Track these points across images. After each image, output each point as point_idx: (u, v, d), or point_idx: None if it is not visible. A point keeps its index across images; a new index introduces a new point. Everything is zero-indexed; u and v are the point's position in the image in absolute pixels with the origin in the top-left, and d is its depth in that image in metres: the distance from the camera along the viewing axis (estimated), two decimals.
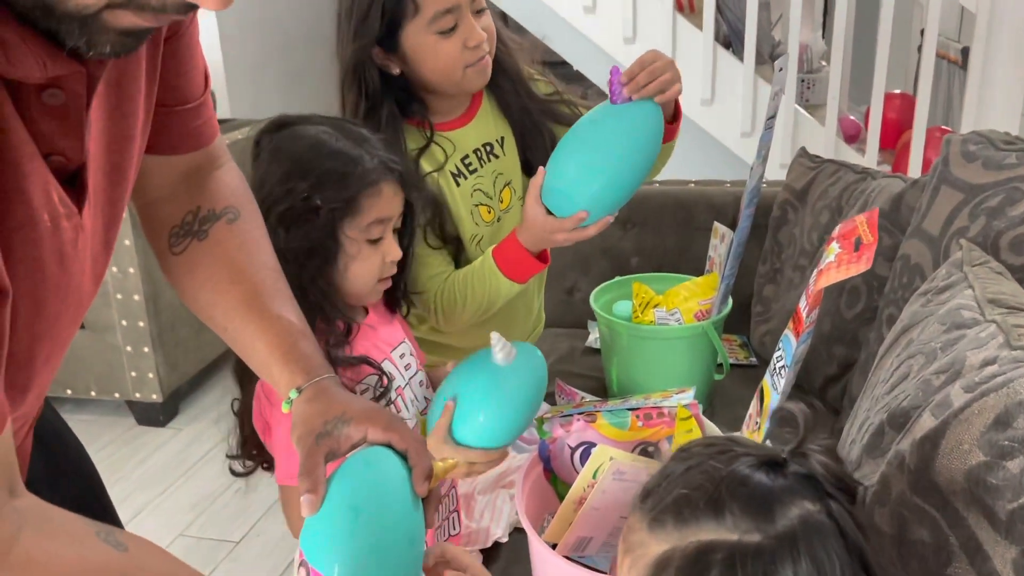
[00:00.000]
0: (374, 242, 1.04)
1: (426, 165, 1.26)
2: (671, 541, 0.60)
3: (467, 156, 1.31)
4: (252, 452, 1.08)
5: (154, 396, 2.46)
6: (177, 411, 2.59)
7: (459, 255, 1.31)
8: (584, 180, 1.16)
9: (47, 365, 0.68)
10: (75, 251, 0.64)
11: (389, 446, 0.76)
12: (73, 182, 0.62)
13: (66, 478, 0.90)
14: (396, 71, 1.24)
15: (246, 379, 1.04)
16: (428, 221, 1.25)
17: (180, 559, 0.70)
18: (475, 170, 1.32)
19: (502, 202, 1.35)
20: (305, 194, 0.97)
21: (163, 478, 2.31)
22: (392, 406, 1.06)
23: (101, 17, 0.52)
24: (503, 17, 2.90)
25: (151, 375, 2.43)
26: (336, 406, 0.77)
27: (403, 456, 0.76)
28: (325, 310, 1.01)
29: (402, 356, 1.12)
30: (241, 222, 0.86)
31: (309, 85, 3.73)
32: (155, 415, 2.52)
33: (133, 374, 2.44)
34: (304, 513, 0.71)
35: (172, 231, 0.84)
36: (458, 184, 1.30)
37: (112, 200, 0.69)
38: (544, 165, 1.19)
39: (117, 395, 2.49)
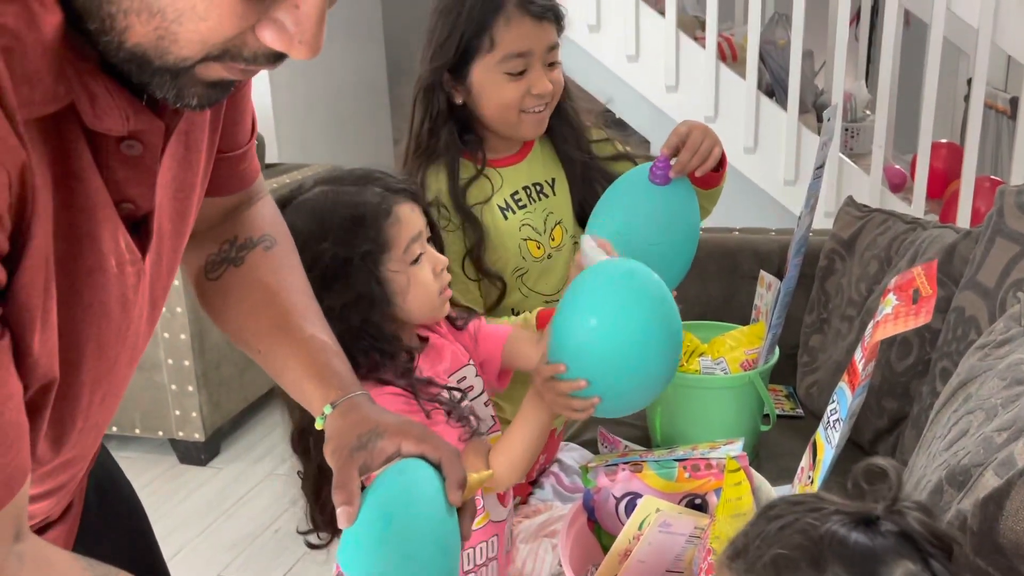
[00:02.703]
0: (416, 262, 1.04)
1: (473, 197, 1.28)
2: None
3: (516, 192, 1.33)
4: (328, 519, 1.05)
5: (196, 435, 2.49)
6: (219, 450, 2.61)
7: (500, 298, 1.31)
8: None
9: (103, 406, 0.69)
10: (135, 296, 0.66)
11: (423, 458, 0.76)
12: (138, 228, 0.64)
13: (118, 523, 0.90)
14: (459, 100, 1.27)
15: (309, 445, 1.03)
16: (468, 250, 1.26)
17: None
18: (524, 206, 1.33)
19: (553, 240, 1.36)
20: (332, 252, 0.98)
21: (203, 517, 2.32)
22: (467, 420, 1.03)
23: (193, 70, 0.54)
24: None
25: (194, 414, 2.46)
26: (369, 420, 0.77)
27: (437, 467, 0.76)
28: (384, 351, 1.01)
29: (462, 379, 1.09)
30: (277, 248, 0.88)
31: (357, 131, 3.81)
32: (197, 454, 2.54)
33: (177, 412, 2.47)
34: (341, 525, 0.71)
35: (209, 259, 0.86)
36: (505, 218, 1.31)
37: (174, 247, 0.71)
38: None
39: (161, 433, 2.51)
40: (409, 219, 1.03)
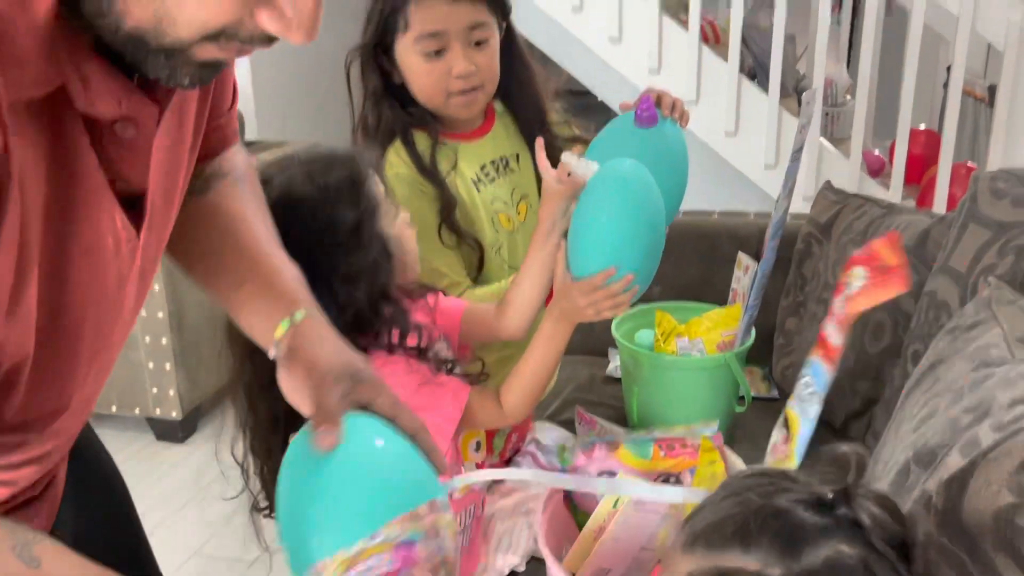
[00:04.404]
0: (396, 218, 1.07)
1: (440, 165, 1.28)
2: (697, 564, 0.60)
3: (484, 166, 1.34)
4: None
5: (174, 413, 2.48)
6: (196, 428, 2.60)
7: (480, 263, 1.31)
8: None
9: (97, 380, 0.70)
10: (130, 271, 0.66)
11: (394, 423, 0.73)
12: (133, 205, 0.64)
13: (99, 499, 0.90)
14: (397, 80, 1.28)
15: (259, 397, 1.02)
16: (442, 219, 1.26)
17: (102, 570, 0.66)
18: (493, 179, 1.34)
19: (519, 214, 1.36)
20: (343, 216, 0.99)
21: (179, 495, 2.31)
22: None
23: (189, 51, 0.54)
24: (528, 46, 2.94)
25: (172, 392, 2.45)
26: (351, 354, 0.75)
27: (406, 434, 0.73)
28: (402, 313, 1.03)
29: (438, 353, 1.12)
30: (244, 184, 0.87)
31: (336, 109, 3.77)
32: (174, 432, 2.53)
33: (154, 390, 2.46)
34: (323, 446, 0.67)
35: None
36: (478, 190, 1.32)
37: (165, 221, 0.71)
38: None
39: (137, 411, 2.50)
40: (377, 179, 1.06)
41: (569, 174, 1.06)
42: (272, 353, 0.77)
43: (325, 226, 0.98)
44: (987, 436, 0.74)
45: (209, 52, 0.55)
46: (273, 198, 0.96)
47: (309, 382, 0.72)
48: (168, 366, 2.42)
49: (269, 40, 0.56)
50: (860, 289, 0.90)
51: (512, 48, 1.33)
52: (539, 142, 1.12)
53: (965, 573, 0.71)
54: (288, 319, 0.76)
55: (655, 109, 1.20)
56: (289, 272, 0.82)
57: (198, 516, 2.22)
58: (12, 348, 0.58)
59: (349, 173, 1.01)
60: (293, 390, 0.75)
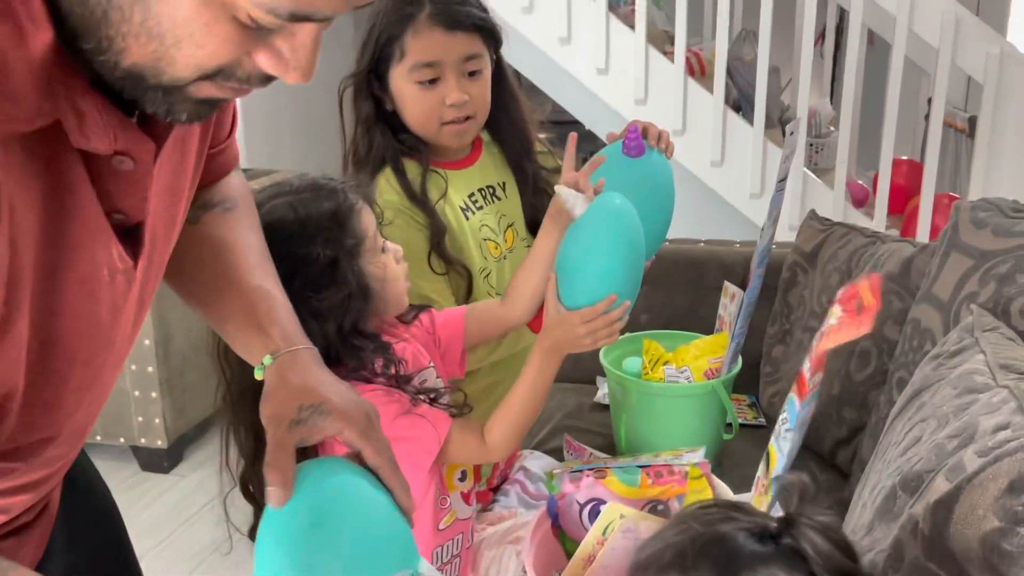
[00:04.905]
0: (384, 251, 1.08)
1: (430, 193, 1.29)
2: None
3: (472, 194, 1.35)
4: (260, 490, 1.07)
5: (159, 442, 2.46)
6: (181, 458, 2.58)
7: (469, 289, 1.32)
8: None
9: (89, 412, 0.70)
10: (126, 302, 0.66)
11: (358, 457, 0.72)
12: (130, 235, 0.64)
13: (92, 526, 0.89)
14: (389, 107, 1.29)
15: (242, 403, 1.00)
16: (432, 247, 1.27)
17: None
18: (481, 207, 1.36)
19: (506, 241, 1.38)
20: (319, 253, 0.99)
21: (165, 525, 2.29)
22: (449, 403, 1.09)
23: (186, 89, 0.55)
24: (516, 76, 2.97)
25: (157, 420, 2.43)
26: (314, 393, 0.73)
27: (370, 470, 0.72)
28: (376, 347, 1.03)
29: (424, 382, 1.10)
30: (237, 210, 0.87)
31: (326, 136, 3.80)
32: (159, 461, 2.51)
33: (140, 419, 2.44)
34: (273, 503, 0.65)
35: None
36: (467, 218, 1.33)
37: (164, 250, 0.71)
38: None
39: (122, 440, 2.48)
40: (367, 212, 1.06)
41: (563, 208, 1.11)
42: (258, 376, 0.78)
43: (301, 259, 0.97)
44: (972, 461, 0.75)
45: (206, 91, 0.56)
46: (262, 224, 0.96)
47: (269, 429, 0.71)
48: (154, 394, 2.41)
49: (266, 80, 0.57)
50: (831, 328, 0.91)
51: (501, 79, 1.35)
52: (572, 137, 1.19)
53: None
54: (260, 367, 0.76)
55: (642, 140, 1.22)
56: (276, 303, 0.81)
57: (184, 546, 2.20)
58: (1, 377, 0.58)
59: (335, 207, 1.01)
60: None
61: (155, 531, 2.26)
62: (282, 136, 3.54)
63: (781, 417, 0.91)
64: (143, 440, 2.47)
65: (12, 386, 0.59)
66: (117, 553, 0.95)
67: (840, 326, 0.80)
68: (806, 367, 0.86)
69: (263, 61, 0.54)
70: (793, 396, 0.88)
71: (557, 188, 1.11)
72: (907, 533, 0.79)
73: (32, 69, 0.50)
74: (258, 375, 0.77)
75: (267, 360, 0.76)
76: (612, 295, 1.08)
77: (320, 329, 0.97)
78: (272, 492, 0.65)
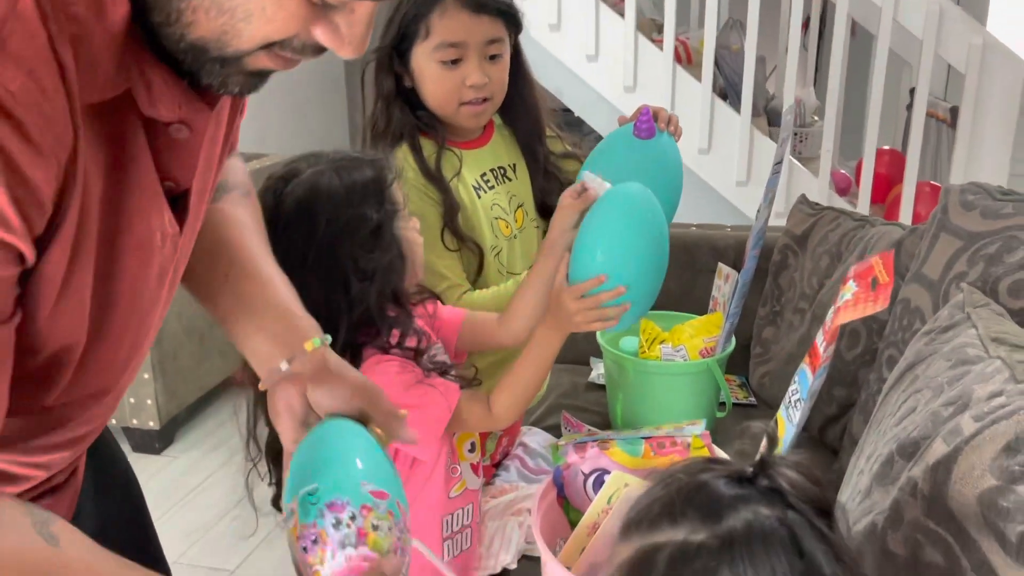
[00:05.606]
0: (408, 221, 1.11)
1: (445, 170, 1.32)
2: (633, 548, 0.63)
3: (484, 173, 1.38)
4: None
5: (151, 423, 2.46)
6: (173, 439, 2.59)
7: (480, 267, 1.35)
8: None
9: (131, 374, 0.73)
10: (170, 267, 0.69)
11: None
12: (175, 204, 0.66)
13: (115, 493, 0.92)
14: (408, 84, 1.32)
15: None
16: (445, 224, 1.30)
17: (117, 557, 0.67)
18: (492, 187, 1.39)
19: (516, 221, 1.41)
20: (368, 215, 1.02)
21: (157, 506, 2.28)
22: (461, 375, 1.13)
23: (244, 60, 0.57)
24: None
25: (149, 402, 2.44)
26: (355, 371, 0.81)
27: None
28: (408, 316, 1.06)
29: (435, 356, 1.14)
30: (252, 197, 0.90)
31: (313, 123, 3.79)
32: (151, 442, 2.51)
33: (131, 400, 2.44)
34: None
35: None
36: (479, 197, 1.36)
37: (199, 221, 0.73)
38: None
39: (114, 421, 2.48)
40: (398, 181, 1.09)
41: (585, 190, 1.10)
42: (283, 366, 0.79)
43: (349, 222, 1.01)
44: (968, 425, 0.78)
45: (261, 62, 0.58)
46: (301, 190, 0.98)
47: (357, 396, 0.78)
48: (146, 376, 2.41)
49: (318, 51, 0.59)
50: (846, 302, 0.95)
51: (518, 64, 1.38)
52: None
53: (951, 554, 0.76)
54: (319, 339, 0.80)
55: (653, 122, 1.25)
56: (285, 293, 0.84)
57: (177, 527, 2.21)
58: (63, 333, 0.60)
59: (375, 174, 1.05)
60: (315, 402, 0.78)
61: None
62: (269, 122, 3.53)
63: (791, 388, 0.95)
64: (135, 421, 2.47)
65: (75, 340, 0.62)
66: (138, 517, 0.98)
67: (856, 300, 0.83)
68: (819, 340, 0.89)
69: (321, 35, 0.57)
70: (805, 367, 0.92)
71: (584, 173, 1.11)
72: (906, 495, 0.82)
73: (110, 41, 0.53)
74: (314, 345, 0.79)
75: (316, 342, 0.79)
76: (601, 276, 1.07)
77: (363, 292, 1.00)
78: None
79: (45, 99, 0.50)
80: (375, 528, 0.69)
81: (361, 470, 0.72)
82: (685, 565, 0.59)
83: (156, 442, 2.51)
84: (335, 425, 0.76)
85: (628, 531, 0.64)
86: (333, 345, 0.83)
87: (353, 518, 0.69)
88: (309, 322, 0.82)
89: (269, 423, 1.04)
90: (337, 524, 0.69)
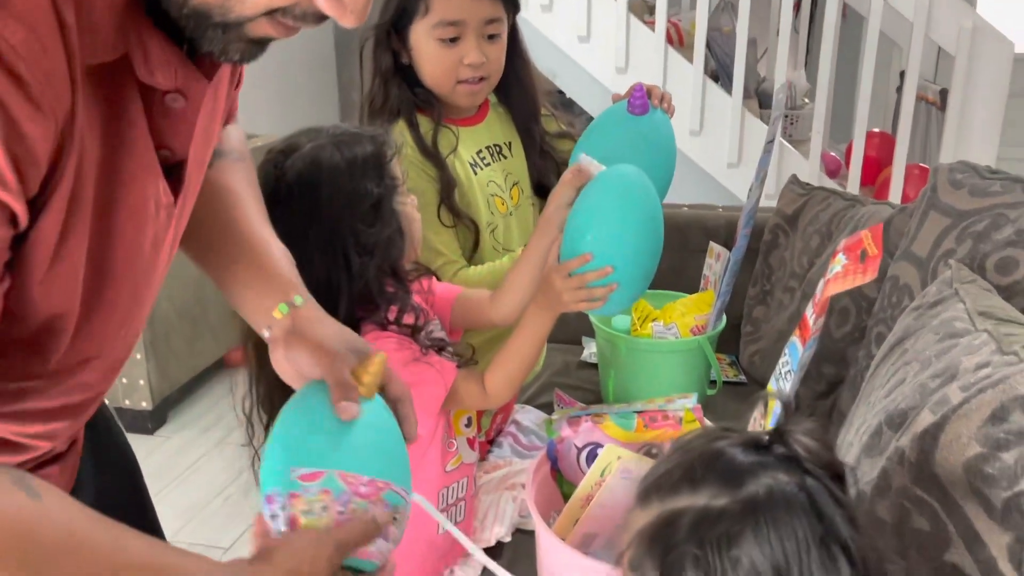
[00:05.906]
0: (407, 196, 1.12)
1: (441, 147, 1.33)
2: (654, 514, 0.64)
3: (480, 151, 1.39)
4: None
5: (144, 403, 2.47)
6: (166, 419, 2.59)
7: (476, 243, 1.36)
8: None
9: (126, 344, 0.73)
10: (165, 237, 0.69)
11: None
12: (170, 174, 0.66)
13: (111, 461, 0.93)
14: (405, 61, 1.33)
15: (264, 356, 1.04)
16: (441, 200, 1.31)
17: (98, 515, 0.65)
18: (488, 164, 1.40)
19: (512, 199, 1.42)
20: (368, 189, 1.03)
21: (151, 485, 2.29)
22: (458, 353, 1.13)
23: (244, 27, 0.57)
24: None
25: (142, 382, 2.44)
26: (348, 331, 0.79)
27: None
28: (405, 291, 1.07)
29: (431, 332, 1.14)
30: (247, 162, 0.89)
31: (304, 104, 3.78)
32: (144, 422, 2.52)
33: (124, 380, 2.45)
34: (347, 416, 0.71)
35: None
36: (475, 173, 1.37)
37: (195, 192, 0.73)
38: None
39: (107, 401, 2.48)
40: (397, 156, 1.10)
41: (581, 170, 1.10)
42: (265, 333, 0.79)
43: (350, 195, 1.02)
44: (955, 395, 0.80)
45: (263, 28, 0.58)
46: (302, 163, 0.99)
47: (319, 359, 0.75)
48: (139, 356, 2.41)
49: (320, 19, 0.59)
50: (836, 274, 0.96)
51: (515, 44, 1.39)
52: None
53: (937, 520, 0.78)
54: (286, 303, 0.78)
55: (647, 98, 1.26)
56: (281, 254, 0.84)
57: (170, 505, 2.22)
58: (56, 299, 0.60)
59: (375, 149, 1.05)
60: (293, 367, 0.77)
61: None
62: (259, 102, 3.51)
63: (782, 360, 0.96)
64: (127, 402, 2.48)
65: (69, 307, 0.62)
66: (136, 494, 0.98)
67: (845, 272, 0.84)
68: (809, 312, 0.90)
69: (323, 3, 0.57)
70: (795, 340, 0.93)
71: (579, 155, 1.11)
72: (894, 463, 0.84)
73: (111, 5, 0.53)
74: (278, 314, 0.78)
75: (287, 306, 0.78)
76: (586, 254, 1.06)
77: (363, 266, 1.01)
78: (345, 407, 0.70)
79: (45, 55, 0.50)
80: (305, 514, 0.69)
81: (291, 454, 0.71)
82: (709, 529, 0.60)
83: (149, 422, 2.52)
84: (289, 404, 0.75)
85: (647, 497, 0.66)
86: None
87: (283, 508, 0.69)
88: (289, 279, 0.81)
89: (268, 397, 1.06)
90: (273, 517, 0.70)
